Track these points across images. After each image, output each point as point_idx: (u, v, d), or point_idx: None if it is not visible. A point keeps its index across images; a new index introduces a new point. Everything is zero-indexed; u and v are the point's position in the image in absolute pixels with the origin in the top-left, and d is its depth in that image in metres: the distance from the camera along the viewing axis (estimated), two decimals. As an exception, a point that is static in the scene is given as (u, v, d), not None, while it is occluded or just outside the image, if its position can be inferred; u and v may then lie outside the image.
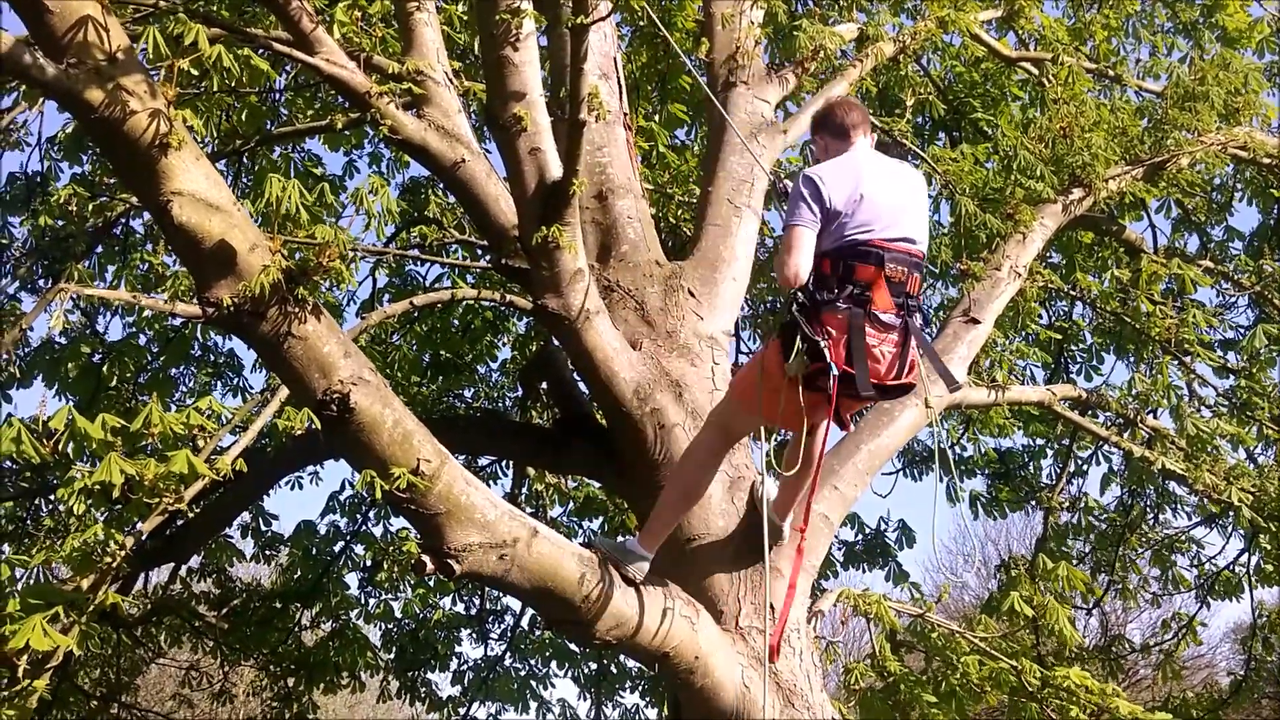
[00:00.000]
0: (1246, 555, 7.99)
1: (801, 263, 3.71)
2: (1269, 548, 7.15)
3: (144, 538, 4.03)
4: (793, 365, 3.71)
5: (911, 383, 3.87)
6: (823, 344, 3.65)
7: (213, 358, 8.36)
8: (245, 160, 7.86)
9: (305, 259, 3.31)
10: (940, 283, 8.44)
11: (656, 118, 7.94)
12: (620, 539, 4.13)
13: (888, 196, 3.82)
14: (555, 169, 4.25)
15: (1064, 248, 8.10)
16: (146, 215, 6.85)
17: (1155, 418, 7.10)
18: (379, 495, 3.47)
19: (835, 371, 3.63)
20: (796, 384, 3.76)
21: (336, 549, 8.55)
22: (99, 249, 7.61)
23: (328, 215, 7.28)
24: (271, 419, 4.20)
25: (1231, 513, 6.65)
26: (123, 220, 7.50)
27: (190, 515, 6.40)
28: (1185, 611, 8.94)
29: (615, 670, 8.95)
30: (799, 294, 3.75)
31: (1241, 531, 7.53)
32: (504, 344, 8.93)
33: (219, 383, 8.30)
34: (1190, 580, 8.60)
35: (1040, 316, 8.14)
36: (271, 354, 3.42)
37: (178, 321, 7.49)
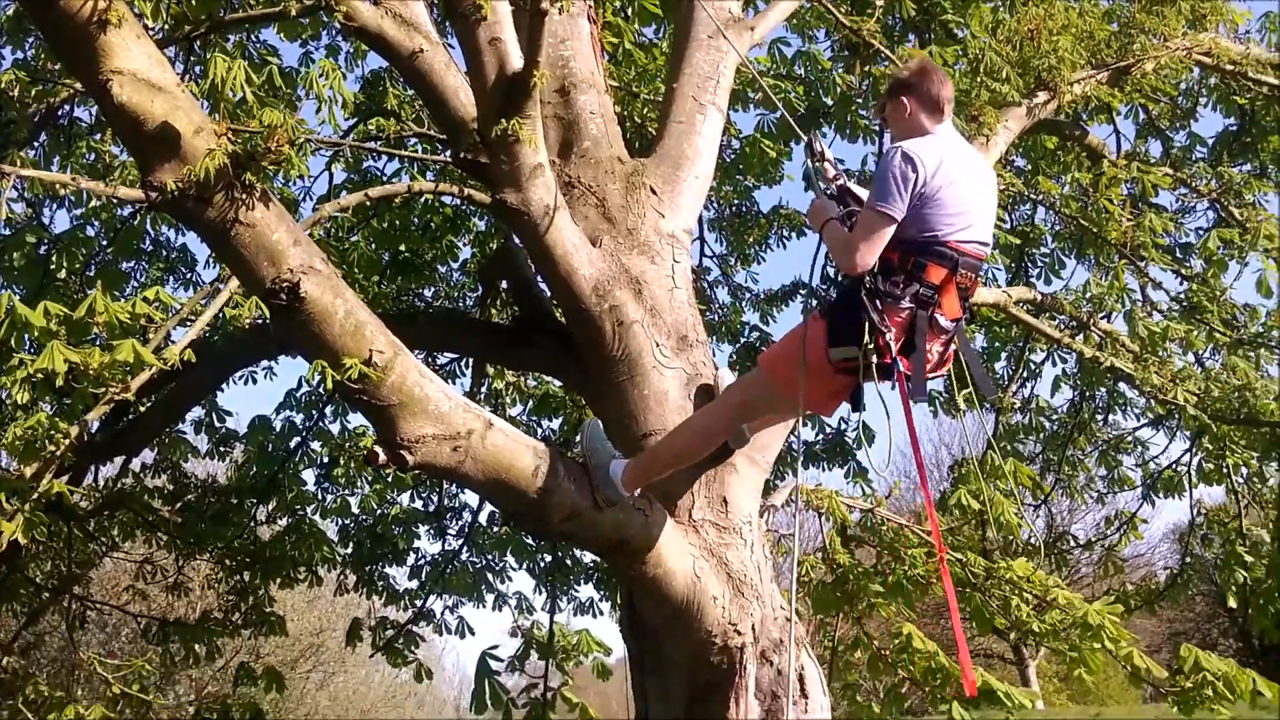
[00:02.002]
0: (1189, 455, 8.17)
1: (873, 256, 3.49)
2: (1210, 448, 7.31)
3: (92, 429, 3.99)
4: (837, 353, 3.54)
5: (941, 374, 3.73)
6: (890, 337, 3.45)
7: (165, 252, 8.23)
8: (197, 50, 7.63)
9: (252, 143, 3.23)
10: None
11: (626, 12, 7.78)
12: (609, 448, 4.06)
13: (970, 193, 3.57)
14: (516, 60, 4.13)
15: (1028, 152, 8.10)
16: (94, 104, 6.66)
17: (1109, 321, 7.19)
18: (330, 386, 3.44)
19: (901, 368, 3.45)
20: (836, 369, 3.62)
21: (292, 445, 8.52)
22: (43, 137, 7.40)
23: (281, 106, 7.12)
24: (221, 310, 4.14)
25: (1177, 414, 6.79)
26: (67, 107, 7.29)
27: (140, 408, 6.43)
28: (1129, 510, 9.18)
29: (570, 563, 9.07)
30: (867, 280, 3.51)
31: (1186, 433, 7.69)
32: (464, 243, 8.84)
33: (171, 277, 8.17)
34: (1135, 480, 8.82)
35: (1003, 221, 8.16)
36: (219, 241, 3.36)
37: (127, 212, 7.35)
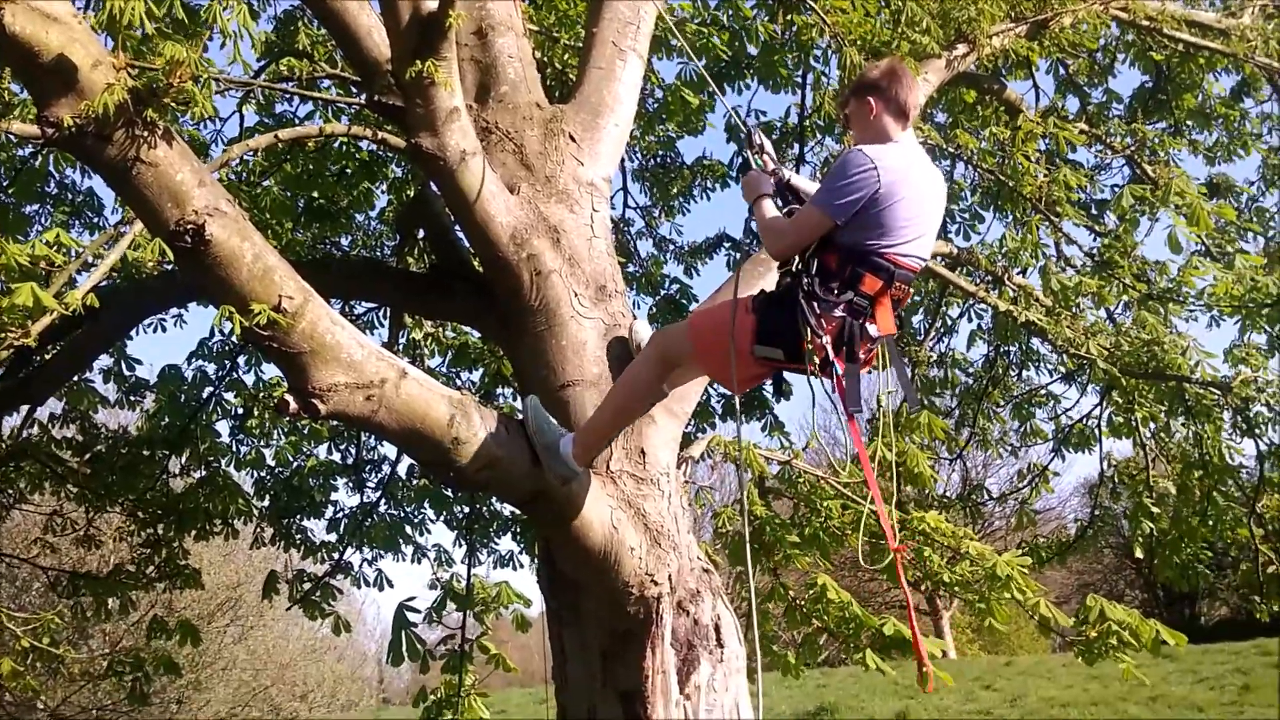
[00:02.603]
0: (1099, 409, 8.36)
1: (799, 248, 3.48)
2: (1120, 402, 7.48)
3: (-8, 375, 3.85)
4: (763, 350, 3.53)
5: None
6: (826, 341, 3.40)
7: (70, 196, 7.97)
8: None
9: (154, 79, 3.10)
10: (826, 138, 8.44)
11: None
12: (555, 427, 4.00)
13: (922, 207, 3.51)
14: (431, 0, 4.04)
15: (948, 106, 8.14)
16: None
17: (1024, 276, 7.29)
18: (239, 332, 3.35)
19: (840, 372, 3.42)
20: (758, 360, 3.61)
21: (205, 395, 8.34)
22: (-65, 73, 7.08)
23: (186, 42, 6.87)
24: (125, 254, 4.00)
25: (1088, 368, 6.93)
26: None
27: (43, 354, 6.24)
28: (1041, 464, 9.37)
29: (489, 515, 9.03)
30: (804, 282, 3.46)
31: (1096, 387, 7.86)
32: (381, 191, 8.68)
33: (77, 221, 7.92)
34: (1047, 432, 9.01)
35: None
36: (120, 181, 3.23)
37: (27, 152, 7.09)
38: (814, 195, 3.57)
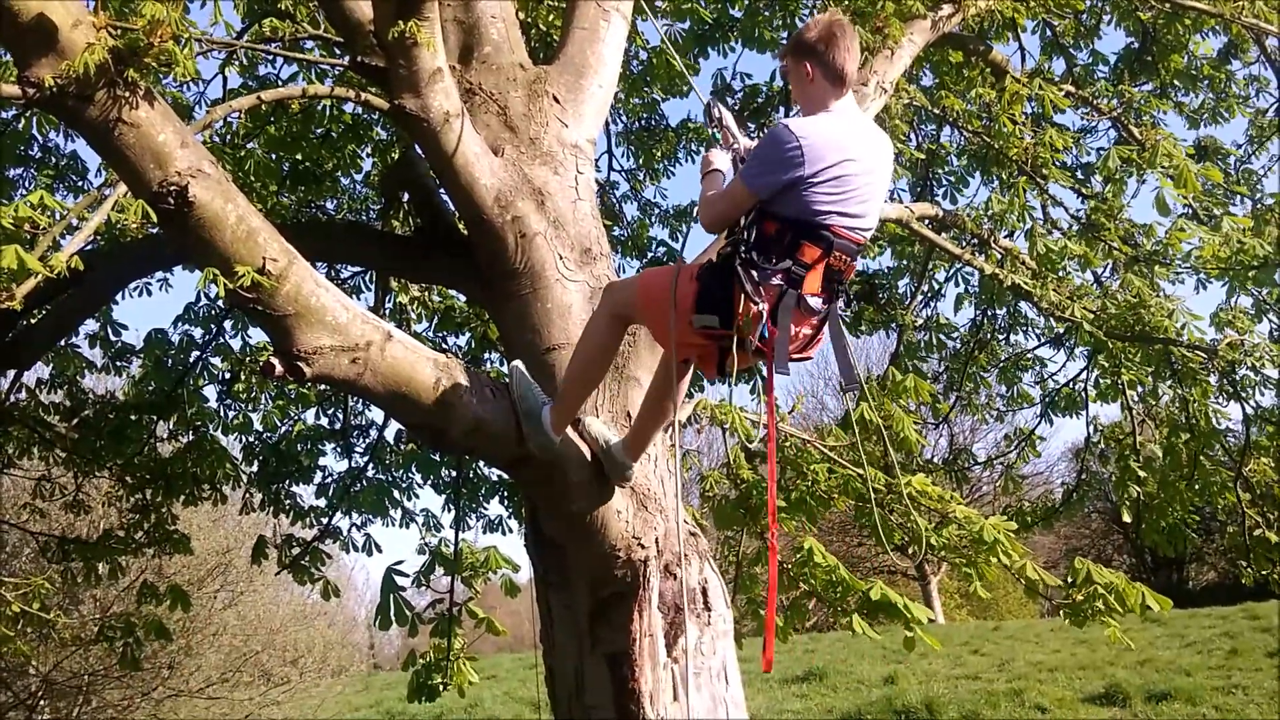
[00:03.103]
0: (1086, 373, 8.38)
1: (726, 220, 3.46)
2: (1106, 365, 7.49)
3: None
4: (700, 319, 3.46)
5: (809, 357, 3.63)
6: (763, 307, 3.32)
7: (54, 159, 7.92)
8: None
9: (134, 39, 3.08)
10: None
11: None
12: (539, 394, 3.99)
13: (863, 179, 3.41)
14: (412, -41, 4.01)
15: (935, 68, 8.10)
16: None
17: (1010, 239, 7.29)
18: (222, 293, 3.34)
19: (768, 337, 3.35)
20: (695, 329, 3.54)
21: (191, 360, 8.32)
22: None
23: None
24: (109, 216, 3.97)
25: (1074, 332, 6.94)
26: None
27: (29, 318, 6.21)
28: (1028, 427, 9.42)
29: (477, 479, 9.04)
30: (742, 250, 3.40)
31: (1083, 351, 7.87)
32: (366, 154, 8.64)
33: (61, 185, 7.88)
34: (1034, 396, 9.04)
35: (908, 138, 8.20)
36: (102, 142, 3.22)
37: (10, 114, 7.03)
38: (742, 168, 3.53)
